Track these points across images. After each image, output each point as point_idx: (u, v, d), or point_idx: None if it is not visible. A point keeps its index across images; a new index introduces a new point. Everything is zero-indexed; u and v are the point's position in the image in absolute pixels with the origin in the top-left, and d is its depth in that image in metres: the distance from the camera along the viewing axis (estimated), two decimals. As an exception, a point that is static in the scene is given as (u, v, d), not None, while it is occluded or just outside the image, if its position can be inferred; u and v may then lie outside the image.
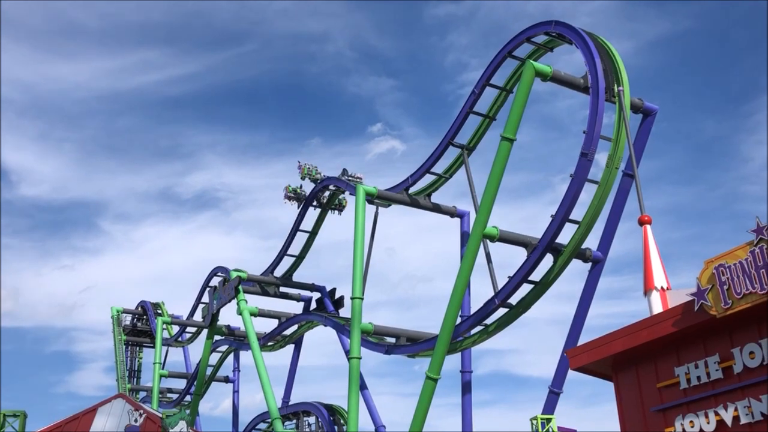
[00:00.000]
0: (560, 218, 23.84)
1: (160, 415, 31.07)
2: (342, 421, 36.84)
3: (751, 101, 79.63)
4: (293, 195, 39.33)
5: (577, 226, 24.46)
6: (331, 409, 37.71)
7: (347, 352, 31.19)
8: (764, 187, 68.38)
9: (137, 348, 59.24)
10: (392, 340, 31.46)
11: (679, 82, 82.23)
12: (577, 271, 26.17)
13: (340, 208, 39.50)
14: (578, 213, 24.26)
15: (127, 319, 57.57)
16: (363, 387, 32.76)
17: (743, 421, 12.56)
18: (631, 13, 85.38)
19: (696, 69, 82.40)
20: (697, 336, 13.50)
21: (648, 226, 17.08)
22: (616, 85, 24.10)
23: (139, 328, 57.45)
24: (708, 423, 13.05)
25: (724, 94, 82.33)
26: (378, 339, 31.46)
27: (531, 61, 25.58)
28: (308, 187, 38.78)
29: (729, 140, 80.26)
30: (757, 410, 12.38)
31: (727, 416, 12.78)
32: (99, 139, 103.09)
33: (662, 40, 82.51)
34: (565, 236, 24.54)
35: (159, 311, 55.57)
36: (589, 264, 25.92)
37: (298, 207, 39.13)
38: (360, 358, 29.67)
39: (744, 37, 79.14)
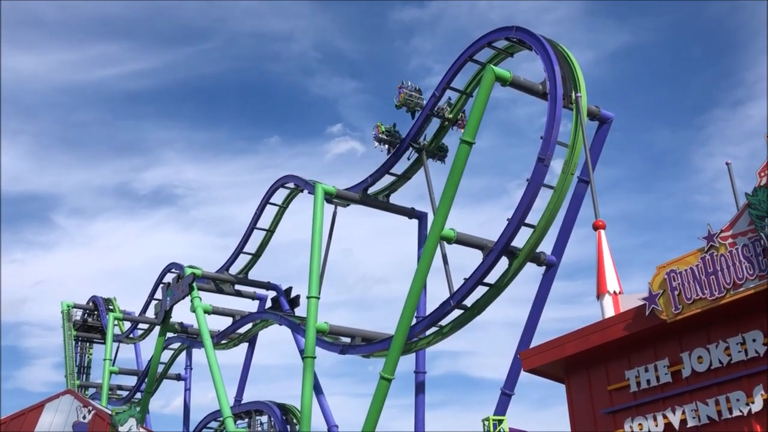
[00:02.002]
0: (516, 222, 24.07)
1: (110, 412, 30.66)
2: (295, 421, 36.69)
3: (704, 114, 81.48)
4: (385, 136, 31.68)
5: (532, 230, 24.72)
6: (284, 409, 37.52)
7: (302, 352, 31.04)
8: (714, 198, 70.07)
9: (87, 344, 58.11)
10: (347, 340, 31.40)
11: (635, 93, 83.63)
12: (531, 274, 26.46)
13: (442, 156, 32.13)
14: (534, 217, 24.56)
15: (78, 315, 56.47)
16: (317, 387, 32.65)
17: (690, 424, 12.82)
18: (593, 24, 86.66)
19: (653, 81, 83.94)
20: (648, 340, 13.75)
21: (602, 231, 17.33)
22: (573, 92, 24.44)
23: (89, 323, 56.29)
24: (656, 426, 13.29)
25: (679, 107, 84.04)
26: (333, 339, 31.38)
27: (491, 65, 25.79)
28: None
29: (682, 151, 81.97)
30: (704, 414, 12.65)
31: (675, 419, 13.03)
32: (55, 132, 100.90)
33: (621, 52, 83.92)
34: (520, 240, 24.82)
35: (111, 307, 54.61)
36: (543, 268, 26.18)
37: (388, 152, 31.70)
38: (314, 358, 29.56)
39: (700, 52, 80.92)
